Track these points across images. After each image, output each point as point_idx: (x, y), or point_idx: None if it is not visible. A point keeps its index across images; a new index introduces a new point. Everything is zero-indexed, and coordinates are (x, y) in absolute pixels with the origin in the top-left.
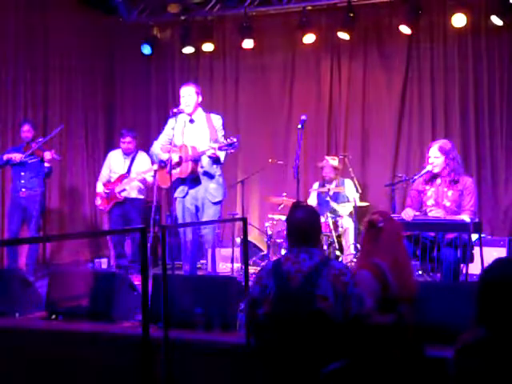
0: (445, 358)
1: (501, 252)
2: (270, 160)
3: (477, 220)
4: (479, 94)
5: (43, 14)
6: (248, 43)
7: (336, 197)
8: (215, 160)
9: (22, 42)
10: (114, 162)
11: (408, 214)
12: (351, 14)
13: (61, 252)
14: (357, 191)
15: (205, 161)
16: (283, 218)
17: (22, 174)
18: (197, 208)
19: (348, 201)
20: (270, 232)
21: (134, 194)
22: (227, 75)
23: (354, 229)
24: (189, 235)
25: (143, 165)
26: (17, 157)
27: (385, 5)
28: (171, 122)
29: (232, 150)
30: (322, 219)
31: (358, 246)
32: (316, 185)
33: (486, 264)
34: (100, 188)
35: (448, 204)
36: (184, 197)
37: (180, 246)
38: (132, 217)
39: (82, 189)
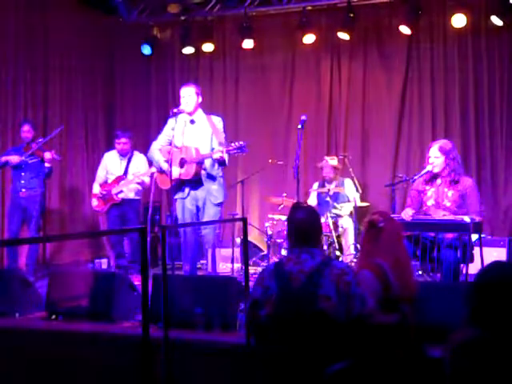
0: (444, 358)
1: (501, 252)
2: (270, 160)
3: (479, 219)
4: (479, 94)
5: (43, 13)
6: (248, 43)
7: (336, 197)
8: (221, 162)
9: (22, 41)
10: (110, 164)
11: (408, 213)
12: (351, 14)
13: (61, 252)
14: (357, 191)
15: (207, 163)
16: (283, 218)
17: (22, 174)
18: (197, 208)
19: (348, 201)
20: (270, 232)
21: (131, 196)
22: (227, 75)
23: (354, 229)
24: (189, 235)
25: (140, 166)
26: (14, 159)
27: (385, 5)
28: (171, 122)
29: (241, 154)
30: (322, 219)
31: (358, 246)
32: (316, 185)
33: (486, 264)
34: (96, 189)
35: (448, 204)
36: (185, 198)
37: (180, 246)
38: (129, 217)
39: (82, 189)
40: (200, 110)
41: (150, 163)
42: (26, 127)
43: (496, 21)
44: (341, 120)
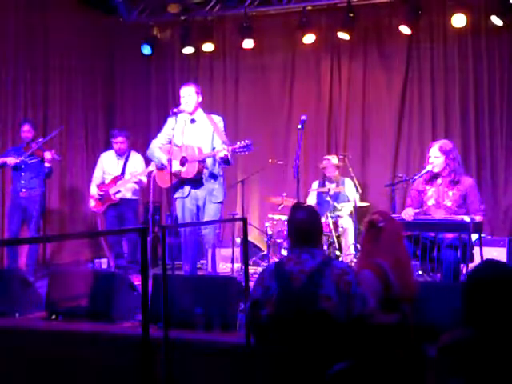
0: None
1: (501, 252)
2: (270, 160)
3: (480, 219)
4: (479, 94)
5: (43, 13)
6: (248, 43)
7: (336, 197)
8: (225, 161)
9: (22, 41)
10: (107, 164)
11: (408, 213)
12: (351, 14)
13: (61, 252)
14: (357, 191)
15: (209, 161)
16: (283, 217)
17: (23, 174)
18: (197, 208)
19: (348, 201)
20: (270, 232)
21: (128, 195)
22: (227, 75)
23: (354, 229)
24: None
25: (137, 166)
26: (11, 161)
27: (385, 5)
28: (171, 121)
29: (246, 152)
30: (322, 219)
31: (358, 246)
32: (315, 184)
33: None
34: (94, 190)
35: (449, 204)
36: (185, 197)
37: (180, 246)
38: (127, 217)
39: (82, 189)
40: (200, 110)
41: (148, 163)
42: (25, 127)
43: (496, 21)
44: (341, 120)
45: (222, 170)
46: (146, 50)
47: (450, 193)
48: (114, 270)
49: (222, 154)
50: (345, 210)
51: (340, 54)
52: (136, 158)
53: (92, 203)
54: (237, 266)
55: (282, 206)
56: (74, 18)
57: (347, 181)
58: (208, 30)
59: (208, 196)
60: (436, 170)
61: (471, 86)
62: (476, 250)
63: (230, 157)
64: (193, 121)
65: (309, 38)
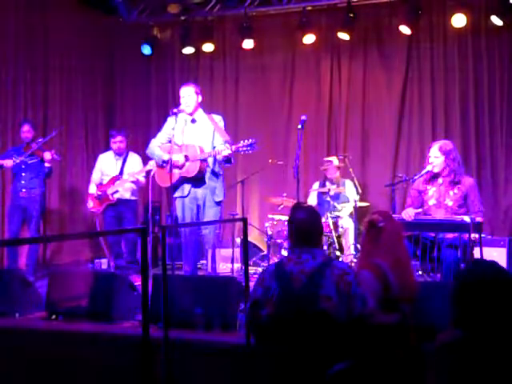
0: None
1: (501, 252)
2: (270, 160)
3: (480, 219)
4: (479, 93)
5: (43, 13)
6: (248, 43)
7: (336, 197)
8: (227, 160)
9: (22, 41)
10: (105, 164)
11: (408, 213)
12: (351, 15)
13: (61, 252)
14: (357, 192)
15: (209, 160)
16: (283, 218)
17: (23, 174)
18: (197, 207)
19: (348, 201)
20: (270, 232)
21: (127, 195)
22: (227, 75)
23: (354, 229)
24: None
25: (135, 166)
26: (8, 163)
27: (385, 5)
28: (171, 121)
29: (250, 151)
30: (323, 219)
31: (358, 246)
32: (316, 185)
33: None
34: (93, 189)
35: (450, 203)
36: (185, 196)
37: (180, 246)
38: (126, 217)
39: (82, 189)
40: (200, 110)
41: (146, 163)
42: (25, 127)
43: (496, 21)
44: (341, 120)
45: (222, 170)
46: (146, 50)
47: (451, 192)
48: (113, 270)
49: (225, 153)
50: (345, 210)
51: (340, 54)
52: (134, 159)
53: (90, 204)
54: (237, 266)
55: (282, 206)
56: (74, 18)
57: (348, 182)
58: (208, 30)
59: (209, 195)
60: (436, 170)
61: (471, 86)
62: (476, 250)
63: (232, 156)
64: (193, 121)
65: (309, 38)
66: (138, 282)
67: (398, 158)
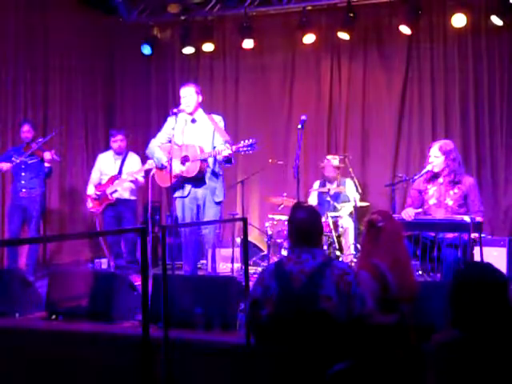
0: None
1: (501, 252)
2: (270, 160)
3: (480, 219)
4: (479, 93)
5: (43, 13)
6: (248, 43)
7: (336, 197)
8: (227, 160)
9: (22, 41)
10: (104, 164)
11: (408, 213)
12: (351, 14)
13: (61, 252)
14: (357, 191)
15: (210, 161)
16: (283, 218)
17: (23, 174)
18: (197, 207)
19: (348, 201)
20: (270, 232)
21: (126, 195)
22: (227, 75)
23: (354, 229)
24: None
25: (134, 166)
26: (4, 167)
27: (385, 5)
28: (171, 121)
29: (250, 152)
30: (323, 219)
31: (358, 246)
32: (316, 184)
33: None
34: (91, 190)
35: (451, 203)
36: (185, 196)
37: (180, 246)
38: (126, 217)
39: (82, 189)
40: (201, 110)
41: (145, 162)
42: (25, 127)
43: (496, 21)
44: (341, 120)
45: (222, 170)
46: (146, 50)
47: (451, 192)
48: (113, 270)
49: (225, 153)
50: (345, 210)
51: (340, 54)
52: (133, 159)
53: (89, 204)
54: (237, 266)
55: (282, 206)
56: (74, 18)
57: (348, 181)
58: (208, 30)
59: (209, 195)
60: (436, 170)
61: (471, 86)
62: (476, 250)
63: (232, 156)
64: (193, 120)
65: (309, 38)
66: (138, 282)
67: (398, 158)
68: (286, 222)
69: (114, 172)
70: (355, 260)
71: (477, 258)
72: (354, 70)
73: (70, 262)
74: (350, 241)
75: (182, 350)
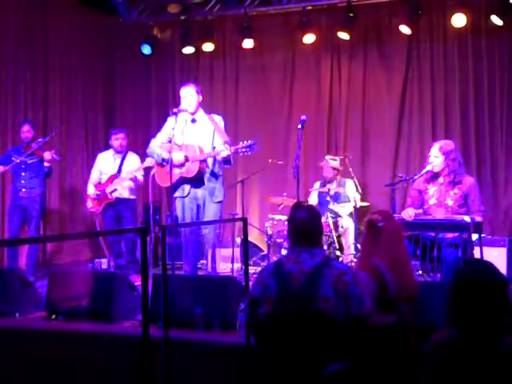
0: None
1: (501, 252)
2: (270, 160)
3: (480, 219)
4: (479, 93)
5: (43, 13)
6: (248, 43)
7: (337, 197)
8: (226, 161)
9: (22, 41)
10: (104, 164)
11: (408, 213)
12: (351, 14)
13: (61, 252)
14: (357, 191)
15: (209, 161)
16: (283, 218)
17: (22, 174)
18: (197, 207)
19: (349, 201)
20: (270, 232)
21: (125, 194)
22: (227, 75)
23: (355, 229)
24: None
25: (134, 165)
26: (1, 168)
27: (385, 5)
28: (171, 120)
29: (249, 153)
30: (323, 219)
31: (359, 246)
32: (317, 184)
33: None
34: (91, 190)
35: (451, 203)
36: (185, 196)
37: (180, 246)
38: (125, 217)
39: (82, 189)
40: (201, 110)
41: (144, 161)
42: (25, 127)
43: (496, 20)
44: (341, 120)
45: (222, 170)
46: (146, 50)
47: (452, 192)
48: (113, 269)
49: (224, 154)
50: (345, 210)
51: (340, 53)
52: (133, 158)
53: (89, 204)
54: (237, 266)
55: (282, 206)
56: (74, 18)
57: (348, 182)
58: (208, 30)
59: (208, 195)
60: (436, 170)
61: (471, 86)
62: (476, 250)
63: (231, 157)
64: (193, 120)
65: (309, 38)
66: (138, 282)
67: (398, 158)
68: (286, 222)
69: (113, 171)
70: (355, 260)
71: (477, 258)
72: (354, 70)
73: (70, 262)
74: (350, 241)
75: (182, 350)
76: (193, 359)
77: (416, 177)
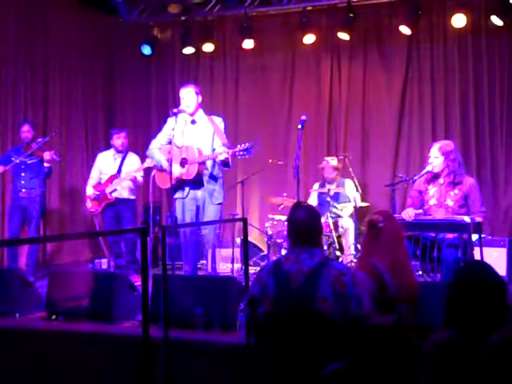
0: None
1: (501, 252)
2: (270, 160)
3: (480, 219)
4: (479, 93)
5: (43, 14)
6: (248, 43)
7: (336, 197)
8: (225, 164)
9: (22, 41)
10: (104, 164)
11: (408, 214)
12: (351, 15)
13: (61, 252)
14: (357, 191)
15: (209, 163)
16: (283, 218)
17: (22, 174)
18: (197, 208)
19: (349, 201)
20: (270, 232)
21: (125, 195)
22: (227, 75)
23: (355, 229)
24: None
25: (133, 165)
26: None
27: (385, 5)
28: (171, 121)
29: (247, 156)
30: (323, 219)
31: (359, 246)
32: (317, 185)
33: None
34: (90, 191)
35: (451, 204)
36: (184, 197)
37: (180, 246)
38: (125, 217)
39: (82, 189)
40: (201, 110)
41: (144, 162)
42: (25, 127)
43: (496, 21)
44: (341, 120)
45: (222, 172)
46: (146, 50)
47: (452, 193)
48: (113, 270)
49: (222, 157)
50: (345, 210)
51: (340, 54)
52: (133, 159)
53: (89, 204)
54: (237, 266)
55: (282, 206)
56: (74, 18)
57: (348, 182)
58: (208, 30)
59: (208, 197)
60: (436, 171)
61: (471, 86)
62: (476, 251)
63: (230, 160)
64: (193, 122)
65: (309, 38)
66: (138, 282)
67: (398, 158)
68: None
69: (113, 171)
70: (355, 260)
71: (477, 258)
72: (354, 70)
73: (69, 262)
74: (350, 241)
75: (182, 350)
76: (193, 359)
77: (416, 177)
